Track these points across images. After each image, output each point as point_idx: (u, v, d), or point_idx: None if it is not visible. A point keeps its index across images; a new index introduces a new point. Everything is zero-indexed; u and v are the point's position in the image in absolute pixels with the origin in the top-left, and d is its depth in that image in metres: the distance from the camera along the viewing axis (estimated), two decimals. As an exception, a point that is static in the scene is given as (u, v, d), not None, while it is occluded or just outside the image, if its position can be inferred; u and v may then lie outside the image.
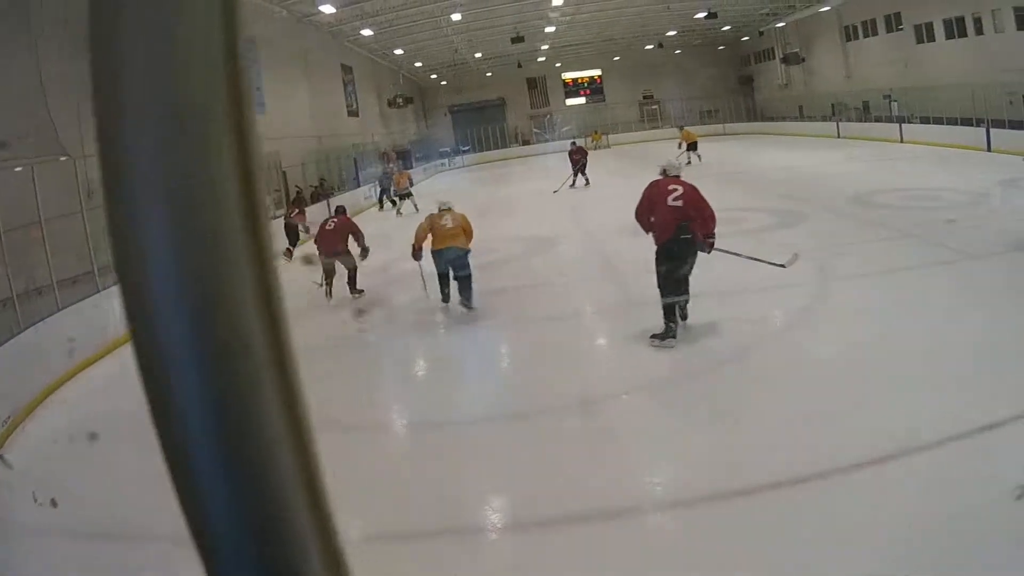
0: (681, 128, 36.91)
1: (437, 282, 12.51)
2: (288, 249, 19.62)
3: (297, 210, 20.87)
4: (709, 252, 9.76)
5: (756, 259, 11.02)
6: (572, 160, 30.38)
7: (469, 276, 12.15)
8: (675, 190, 9.54)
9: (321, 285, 14.17)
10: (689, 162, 31.85)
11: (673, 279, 9.39)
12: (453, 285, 12.26)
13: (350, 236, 13.85)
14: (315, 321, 13.04)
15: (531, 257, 16.18)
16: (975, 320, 9.04)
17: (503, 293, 13.52)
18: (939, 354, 8.05)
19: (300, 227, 19.96)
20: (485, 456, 6.98)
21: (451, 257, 12.04)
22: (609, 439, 7.01)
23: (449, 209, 12.34)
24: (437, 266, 12.35)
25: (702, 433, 6.90)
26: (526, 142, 58.03)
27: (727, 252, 10.53)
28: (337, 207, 16.62)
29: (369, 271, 14.99)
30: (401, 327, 12.59)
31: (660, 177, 9.90)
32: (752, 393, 7.69)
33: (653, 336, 9.47)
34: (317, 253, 14.14)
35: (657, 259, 9.51)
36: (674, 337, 9.39)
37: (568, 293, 13.08)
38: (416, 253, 12.43)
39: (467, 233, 12.22)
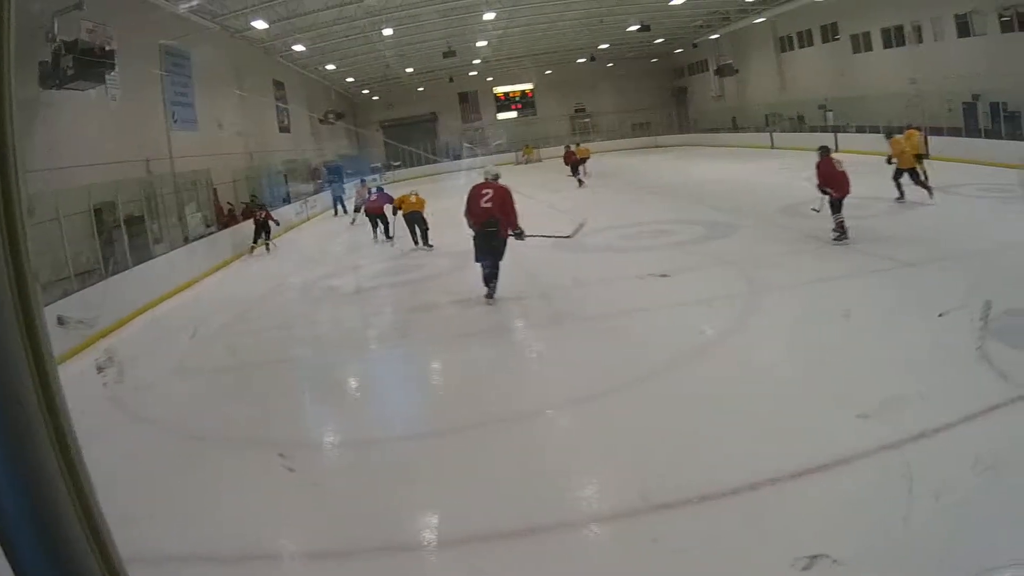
0: (577, 145, 38.35)
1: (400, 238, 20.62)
2: (264, 243, 24.52)
3: (264, 212, 24.76)
4: (523, 239, 12.90)
5: (547, 235, 14.12)
6: (567, 162, 33.63)
7: (427, 229, 20.02)
8: (487, 193, 12.57)
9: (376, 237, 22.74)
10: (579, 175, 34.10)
11: (485, 256, 12.58)
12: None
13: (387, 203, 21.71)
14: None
15: (457, 272, 15.99)
16: (901, 330, 9.24)
17: (431, 309, 13.52)
18: (859, 366, 8.12)
19: (271, 222, 24.74)
20: (414, 473, 6.87)
21: (416, 217, 20.00)
22: (532, 455, 6.92)
23: (414, 192, 20.40)
24: (407, 222, 20.11)
25: (625, 449, 6.80)
26: (457, 157, 57.81)
27: (532, 236, 13.25)
28: (377, 187, 25.28)
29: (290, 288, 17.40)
30: (329, 346, 12.39)
31: (481, 181, 12.87)
32: (673, 409, 7.61)
33: (485, 296, 12.75)
34: (365, 213, 23.98)
35: (473, 242, 12.63)
36: (491, 297, 12.72)
37: (494, 308, 12.93)
38: (394, 211, 20.94)
39: (423, 204, 20.09)
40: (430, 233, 20.11)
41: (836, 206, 14.68)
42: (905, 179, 19.00)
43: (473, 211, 12.59)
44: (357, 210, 28.33)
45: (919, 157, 19.90)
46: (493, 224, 12.40)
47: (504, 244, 12.65)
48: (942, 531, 4.73)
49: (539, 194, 28.64)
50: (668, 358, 9.11)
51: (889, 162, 19.54)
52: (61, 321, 13.21)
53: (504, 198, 12.63)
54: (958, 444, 5.98)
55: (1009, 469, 5.47)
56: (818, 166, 14.99)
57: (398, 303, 14.62)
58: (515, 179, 31.74)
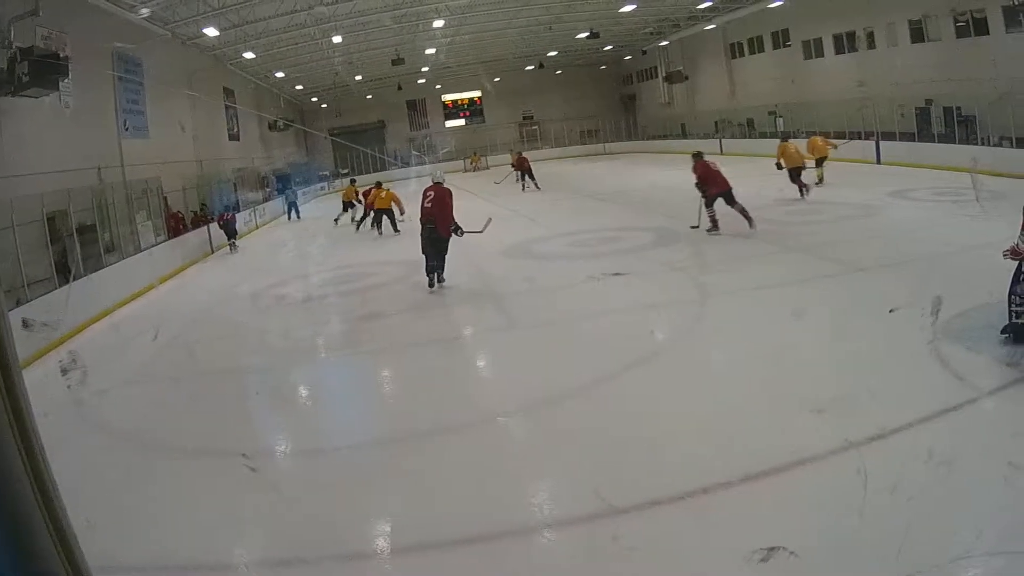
0: (514, 152, 39.93)
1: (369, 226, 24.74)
2: (230, 243, 26.32)
3: (230, 214, 27.12)
4: (461, 236, 14.30)
5: (473, 231, 14.86)
6: (515, 167, 34.68)
7: (394, 223, 23.28)
8: (429, 195, 14.16)
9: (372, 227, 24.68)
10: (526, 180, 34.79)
11: (427, 252, 14.13)
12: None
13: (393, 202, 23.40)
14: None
15: (405, 280, 16.00)
16: (853, 333, 9.30)
17: (381, 317, 13.43)
18: (811, 369, 8.31)
19: (234, 224, 26.69)
20: (368, 480, 6.84)
21: (384, 210, 23.40)
22: (487, 461, 6.92)
23: (385, 190, 23.84)
24: (376, 215, 23.95)
25: (580, 453, 6.80)
26: (405, 164, 57.63)
27: (468, 231, 14.54)
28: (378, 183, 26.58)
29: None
30: (280, 354, 12.22)
31: (427, 187, 14.45)
32: (626, 412, 7.63)
33: (427, 285, 14.34)
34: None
35: (420, 236, 14.21)
36: (431, 286, 14.34)
37: (445, 314, 13.09)
38: (366, 208, 25.20)
39: (393, 199, 23.28)
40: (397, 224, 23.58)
41: (710, 201, 16.99)
42: (807, 176, 21.81)
43: (421, 209, 14.27)
44: (352, 206, 28.85)
45: (822, 160, 24.02)
46: (431, 222, 13.97)
47: (445, 241, 14.18)
48: (898, 524, 4.81)
49: (489, 203, 28.65)
50: (621, 362, 9.13)
51: (779, 167, 21.70)
52: (26, 324, 13.10)
53: (442, 199, 14.13)
54: (914, 442, 6.07)
55: (964, 463, 5.63)
56: (694, 169, 17.22)
57: (348, 311, 14.52)
58: (463, 187, 31.92)
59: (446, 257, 14.38)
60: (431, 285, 14.34)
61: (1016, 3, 23.23)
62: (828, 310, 10.59)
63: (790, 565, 4.67)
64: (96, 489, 6.89)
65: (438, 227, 13.93)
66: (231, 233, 26.39)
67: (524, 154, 36.61)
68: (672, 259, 15.06)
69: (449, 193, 14.32)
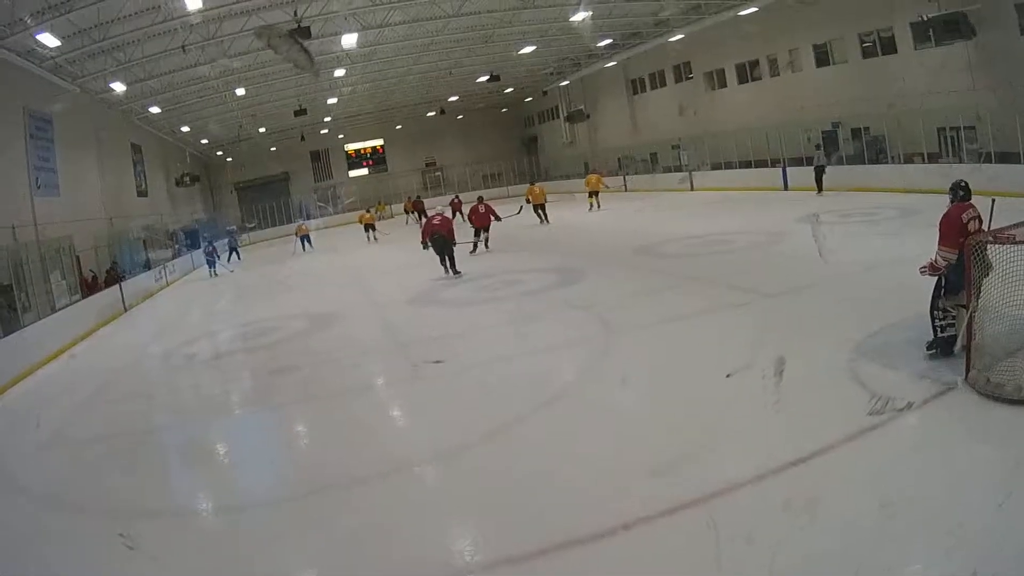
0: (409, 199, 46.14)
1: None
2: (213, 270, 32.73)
3: (212, 247, 34.03)
4: (455, 245, 20.45)
5: (504, 217, 24.48)
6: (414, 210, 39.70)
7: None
8: (436, 219, 20.66)
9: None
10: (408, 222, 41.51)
11: (439, 252, 20.11)
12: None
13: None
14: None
15: (316, 333, 16.04)
16: (760, 364, 9.07)
17: (290, 372, 13.15)
18: (717, 404, 8.24)
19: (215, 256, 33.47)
20: (281, 537, 6.77)
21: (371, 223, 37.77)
22: (400, 513, 6.89)
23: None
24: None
25: (492, 499, 6.89)
26: (309, 216, 57.46)
27: (464, 242, 22.13)
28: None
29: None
30: (192, 413, 11.98)
31: (436, 213, 21.54)
32: (529, 457, 7.70)
33: (447, 273, 20.08)
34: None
35: (432, 244, 20.20)
36: (447, 274, 20.11)
37: (355, 367, 13.00)
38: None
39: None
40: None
41: (477, 232, 24.46)
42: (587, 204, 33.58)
43: (428, 226, 20.68)
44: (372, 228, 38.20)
45: (596, 193, 34.20)
46: (441, 233, 20.13)
47: (451, 246, 20.21)
48: (762, 563, 4.98)
49: (395, 253, 29.46)
50: (527, 406, 9.11)
51: (527, 202, 30.51)
52: None
53: (447, 221, 20.98)
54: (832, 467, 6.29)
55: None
56: (473, 208, 24.91)
57: (258, 367, 14.17)
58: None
59: (455, 256, 20.25)
60: (446, 273, 20.08)
61: (924, 19, 23.37)
62: (737, 339, 10.53)
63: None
64: (14, 552, 6.98)
65: (447, 237, 20.06)
66: (212, 262, 33.24)
67: (421, 198, 41.29)
68: (575, 298, 15.14)
69: (450, 220, 21.49)
